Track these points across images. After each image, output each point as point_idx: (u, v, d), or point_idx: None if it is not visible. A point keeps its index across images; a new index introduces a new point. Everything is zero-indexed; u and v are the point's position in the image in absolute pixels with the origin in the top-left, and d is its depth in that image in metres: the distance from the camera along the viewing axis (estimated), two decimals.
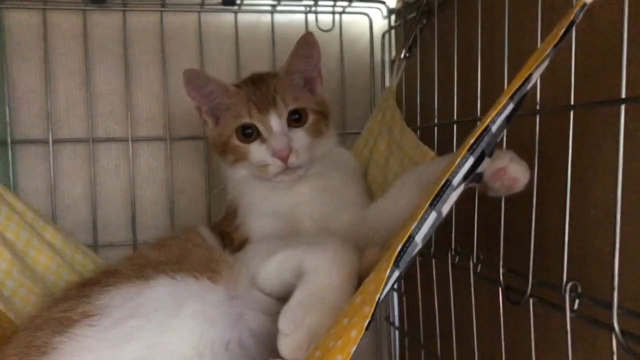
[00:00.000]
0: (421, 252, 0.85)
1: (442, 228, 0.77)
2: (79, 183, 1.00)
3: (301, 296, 0.57)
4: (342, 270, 0.59)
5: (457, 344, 0.77)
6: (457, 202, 0.75)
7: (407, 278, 1.00)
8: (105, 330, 0.55)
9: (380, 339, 1.13)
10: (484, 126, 0.47)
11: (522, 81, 0.46)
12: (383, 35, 1.08)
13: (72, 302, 0.59)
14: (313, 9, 1.05)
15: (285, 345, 0.54)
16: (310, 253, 0.61)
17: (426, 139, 0.86)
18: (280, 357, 0.55)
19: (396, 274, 0.45)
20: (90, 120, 0.98)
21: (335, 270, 0.59)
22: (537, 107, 0.62)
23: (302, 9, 1.05)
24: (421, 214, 0.45)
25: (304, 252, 0.62)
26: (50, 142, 0.96)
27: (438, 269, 0.82)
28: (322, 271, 0.59)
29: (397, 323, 1.07)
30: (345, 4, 1.04)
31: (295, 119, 0.80)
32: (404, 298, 1.02)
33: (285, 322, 0.55)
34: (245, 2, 1.01)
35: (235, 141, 0.80)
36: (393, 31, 1.06)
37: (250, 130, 0.79)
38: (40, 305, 0.68)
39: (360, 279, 0.59)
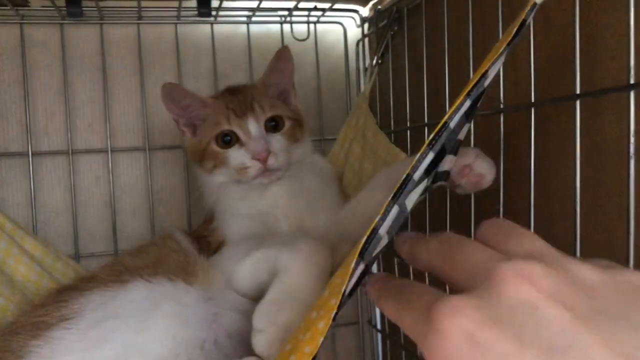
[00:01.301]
0: (399, 255, 0.87)
1: (417, 228, 0.80)
2: (60, 195, 1.01)
3: (275, 294, 0.59)
4: (315, 268, 0.60)
5: None
6: (430, 202, 0.78)
7: None
8: (81, 332, 0.56)
9: (364, 343, 1.14)
10: (442, 122, 0.48)
11: (478, 78, 0.48)
12: (357, 43, 1.10)
13: (49, 307, 0.60)
14: (288, 19, 1.07)
15: (259, 342, 0.55)
16: (284, 252, 0.62)
17: (400, 141, 0.88)
18: (255, 355, 0.56)
19: (361, 266, 0.46)
20: (69, 133, 0.99)
21: (308, 269, 0.60)
22: (501, 106, 0.64)
23: (277, 19, 1.07)
24: (384, 208, 0.47)
25: (278, 251, 0.63)
26: (30, 154, 0.97)
27: (415, 271, 0.84)
28: (295, 269, 0.60)
29: (379, 326, 1.08)
30: (319, 13, 1.06)
31: (272, 125, 0.81)
32: None
33: (259, 319, 0.56)
34: (220, 13, 1.03)
35: (215, 147, 0.81)
36: (367, 39, 1.09)
37: (229, 138, 0.80)
38: (18, 313, 0.68)
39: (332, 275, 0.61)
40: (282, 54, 0.83)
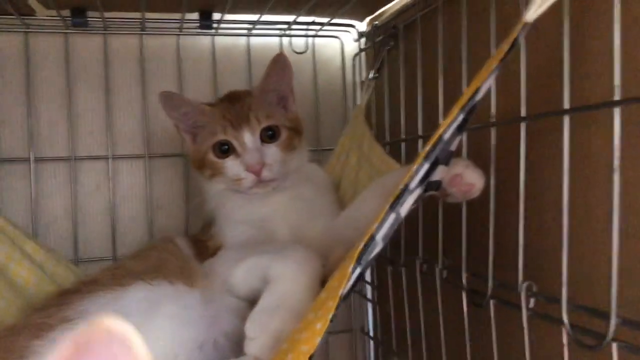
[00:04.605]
0: (391, 261, 0.89)
1: (409, 237, 0.82)
2: (61, 201, 1.02)
3: (266, 302, 0.61)
4: (305, 276, 0.62)
5: (426, 349, 0.80)
6: (423, 212, 0.80)
7: (380, 288, 1.03)
8: None
9: (357, 350, 1.15)
10: (437, 135, 0.51)
11: (471, 94, 0.51)
12: (354, 57, 1.13)
13: (51, 309, 0.61)
14: (287, 32, 1.09)
15: (251, 349, 0.57)
16: (274, 261, 0.64)
17: (395, 152, 0.90)
18: None
19: (358, 270, 0.48)
20: (71, 140, 1.01)
21: (297, 277, 0.62)
22: (493, 120, 0.67)
23: (277, 32, 1.10)
24: (382, 216, 0.49)
25: (269, 260, 0.65)
26: (32, 160, 0.98)
27: (408, 277, 0.86)
28: (285, 278, 0.62)
29: (371, 333, 1.10)
30: (317, 27, 1.09)
31: (269, 135, 0.83)
32: (377, 308, 1.05)
33: (251, 328, 0.58)
34: (222, 25, 1.05)
35: (212, 157, 0.83)
36: (363, 53, 1.11)
37: (226, 147, 0.83)
38: (20, 316, 0.70)
39: (325, 280, 0.63)
40: (278, 60, 0.85)
